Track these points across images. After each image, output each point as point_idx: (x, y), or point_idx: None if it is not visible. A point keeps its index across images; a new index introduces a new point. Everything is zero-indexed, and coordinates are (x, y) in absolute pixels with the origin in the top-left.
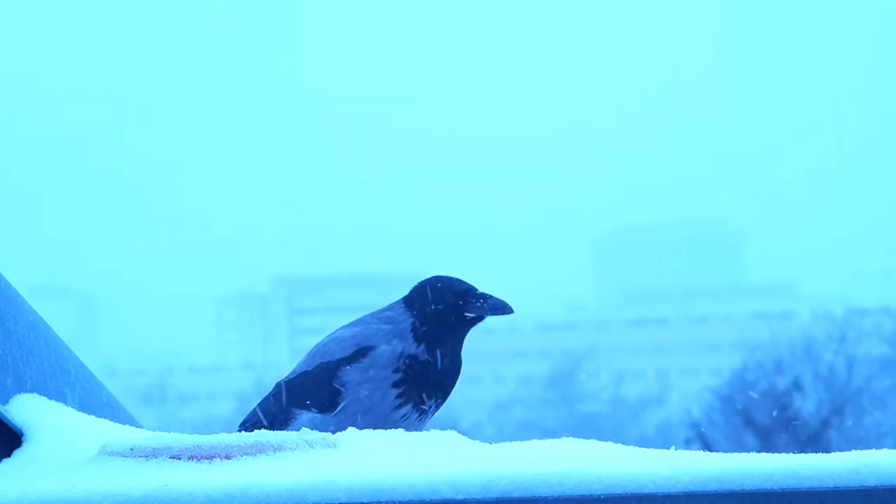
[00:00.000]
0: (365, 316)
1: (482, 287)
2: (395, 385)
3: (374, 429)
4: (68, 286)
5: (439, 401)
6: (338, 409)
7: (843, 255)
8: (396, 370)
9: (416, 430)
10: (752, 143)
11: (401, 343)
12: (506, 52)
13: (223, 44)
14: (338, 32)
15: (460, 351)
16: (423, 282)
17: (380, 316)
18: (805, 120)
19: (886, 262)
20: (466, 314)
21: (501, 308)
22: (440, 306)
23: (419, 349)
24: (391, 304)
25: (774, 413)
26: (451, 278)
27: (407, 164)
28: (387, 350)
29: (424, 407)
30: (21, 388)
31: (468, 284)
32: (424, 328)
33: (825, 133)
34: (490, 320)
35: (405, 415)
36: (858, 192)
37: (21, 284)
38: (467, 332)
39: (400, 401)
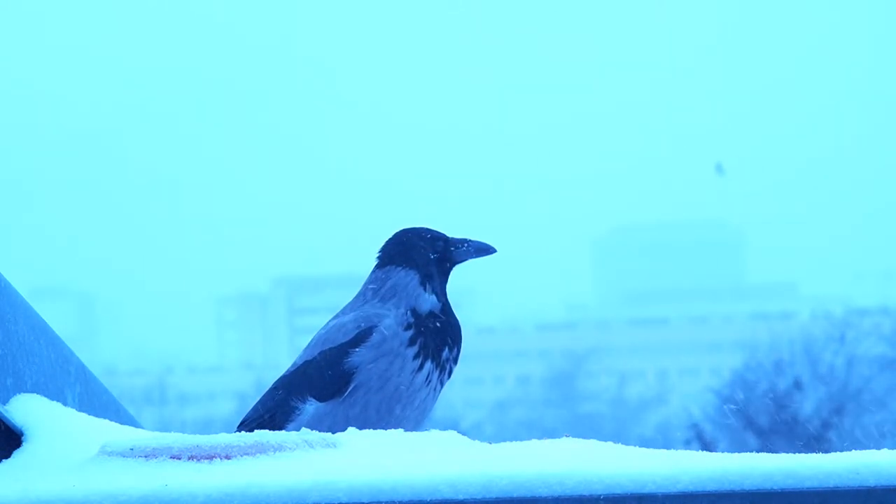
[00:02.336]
0: (351, 303)
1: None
2: (411, 343)
3: (389, 405)
4: (68, 286)
5: (455, 350)
6: (346, 393)
7: (843, 255)
8: (408, 327)
9: (437, 392)
10: (752, 144)
11: (405, 304)
12: (506, 53)
13: (224, 46)
14: (337, 34)
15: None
16: (400, 238)
17: (379, 295)
18: (805, 120)
19: (886, 262)
20: (456, 260)
21: (485, 249)
22: (435, 255)
23: (430, 299)
24: (375, 278)
25: (774, 413)
26: (423, 228)
27: (407, 164)
28: (392, 322)
29: (442, 359)
30: (21, 388)
31: (440, 232)
32: (430, 278)
33: (825, 133)
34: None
35: (427, 376)
36: (858, 192)
37: (21, 284)
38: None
39: (419, 360)
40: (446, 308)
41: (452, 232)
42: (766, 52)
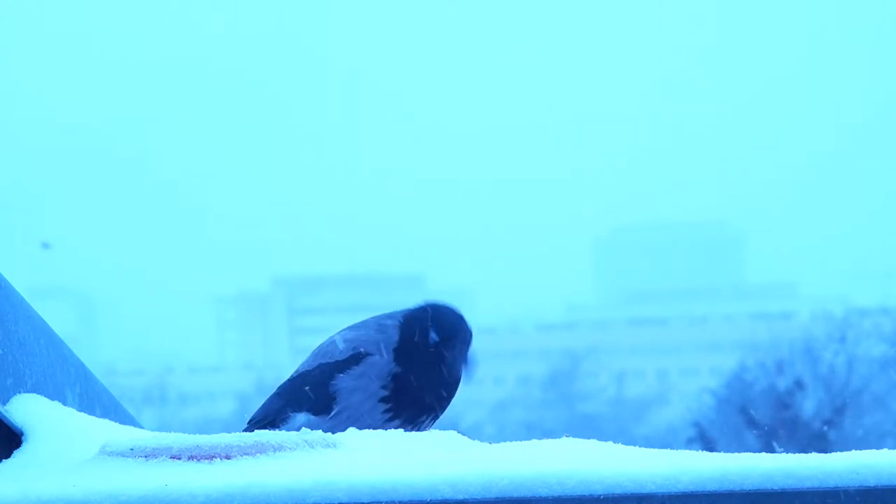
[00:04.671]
0: (371, 318)
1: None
2: (383, 400)
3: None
4: (68, 286)
5: (435, 414)
6: (332, 413)
7: (843, 255)
8: (384, 386)
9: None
10: (752, 144)
11: (389, 357)
12: (506, 51)
13: (225, 47)
14: (339, 34)
15: (458, 366)
16: (426, 307)
17: (380, 322)
18: (804, 120)
19: (886, 262)
20: (443, 355)
21: (469, 372)
22: (417, 339)
23: (402, 369)
24: (395, 313)
25: (775, 413)
26: (449, 313)
27: (407, 164)
28: (379, 362)
29: (420, 421)
30: (21, 388)
31: (457, 325)
32: (405, 351)
33: (825, 133)
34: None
35: (401, 426)
36: (858, 192)
37: (21, 284)
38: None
39: (389, 415)
40: (439, 373)
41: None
42: (766, 53)
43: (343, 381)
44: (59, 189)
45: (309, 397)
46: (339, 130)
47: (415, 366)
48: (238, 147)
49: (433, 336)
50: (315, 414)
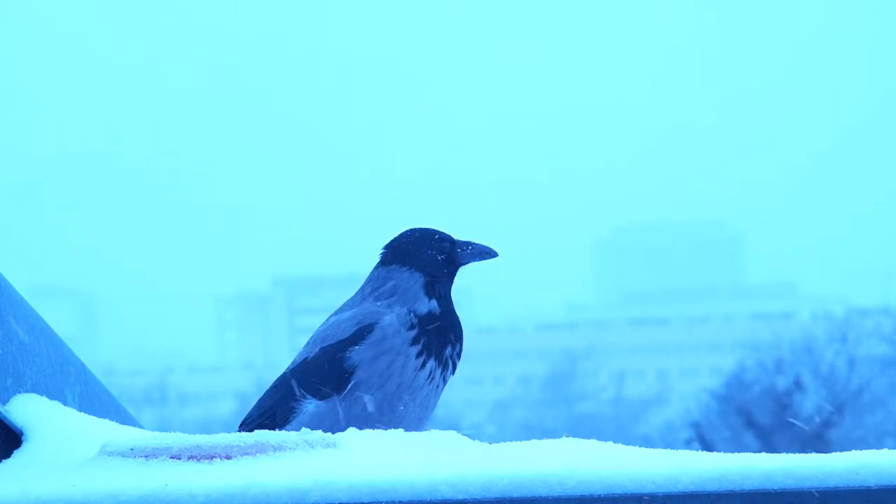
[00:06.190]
0: (351, 299)
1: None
2: (414, 342)
3: (391, 403)
4: (68, 286)
5: (458, 346)
6: (345, 391)
7: (843, 255)
8: (411, 327)
9: (440, 389)
10: (752, 143)
11: (404, 306)
12: (506, 53)
13: (223, 48)
14: (336, 34)
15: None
16: (407, 238)
17: (376, 293)
18: (804, 120)
19: (886, 262)
20: (460, 262)
21: (488, 253)
22: (441, 257)
23: (430, 303)
24: (377, 276)
25: (775, 413)
26: (431, 229)
27: (408, 164)
28: (393, 319)
29: (445, 356)
30: (21, 388)
31: (447, 234)
32: (434, 281)
33: (825, 133)
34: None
35: (430, 374)
36: (858, 192)
37: (21, 284)
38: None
39: (422, 358)
40: (448, 308)
41: (454, 232)
42: (766, 53)
43: (361, 353)
44: (58, 189)
45: (317, 382)
46: (339, 131)
47: (440, 288)
48: (238, 147)
49: (446, 243)
50: (322, 398)
